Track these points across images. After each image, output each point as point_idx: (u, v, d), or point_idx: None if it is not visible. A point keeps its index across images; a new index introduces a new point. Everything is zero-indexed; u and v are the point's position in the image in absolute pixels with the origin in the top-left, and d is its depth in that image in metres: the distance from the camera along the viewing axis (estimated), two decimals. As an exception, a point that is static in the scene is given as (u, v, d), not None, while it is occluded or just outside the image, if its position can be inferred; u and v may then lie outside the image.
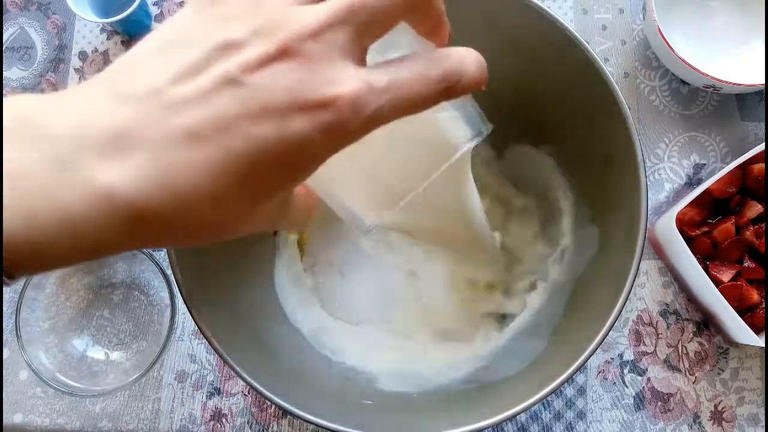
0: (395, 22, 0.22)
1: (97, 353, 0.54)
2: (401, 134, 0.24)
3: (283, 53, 0.19)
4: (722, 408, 0.53)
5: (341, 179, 0.26)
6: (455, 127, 0.25)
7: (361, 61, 0.21)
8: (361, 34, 0.20)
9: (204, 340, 0.54)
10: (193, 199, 0.19)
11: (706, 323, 0.55)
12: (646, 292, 0.55)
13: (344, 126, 0.19)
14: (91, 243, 0.18)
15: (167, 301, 0.52)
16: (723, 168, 0.52)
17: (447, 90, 0.22)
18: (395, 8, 0.21)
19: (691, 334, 0.55)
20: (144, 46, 0.21)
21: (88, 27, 0.62)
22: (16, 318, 0.51)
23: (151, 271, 0.54)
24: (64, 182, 0.18)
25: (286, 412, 0.52)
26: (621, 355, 0.54)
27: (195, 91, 0.19)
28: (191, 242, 0.21)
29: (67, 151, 0.18)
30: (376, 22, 0.21)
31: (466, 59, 0.22)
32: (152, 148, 0.18)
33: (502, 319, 0.52)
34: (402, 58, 0.21)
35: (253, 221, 0.22)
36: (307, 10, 0.20)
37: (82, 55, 0.62)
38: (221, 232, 0.21)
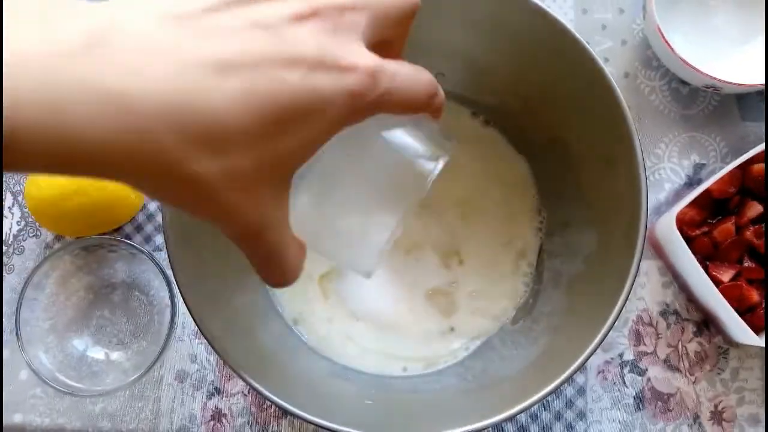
0: (400, 29, 0.24)
1: (97, 353, 0.54)
2: (375, 173, 0.26)
3: (315, 15, 0.20)
4: (722, 408, 0.53)
5: (325, 234, 0.27)
6: (422, 153, 0.27)
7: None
8: (373, 25, 0.22)
9: (204, 340, 0.54)
10: (207, 122, 0.18)
11: (706, 323, 0.55)
12: (646, 292, 0.55)
13: (361, 96, 0.21)
14: (84, 138, 0.17)
15: (167, 300, 0.52)
16: (723, 168, 0.52)
17: (429, 100, 0.23)
18: (403, 16, 0.23)
19: (691, 334, 0.55)
20: None
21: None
22: (16, 318, 0.51)
23: (151, 271, 0.54)
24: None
25: (286, 413, 0.52)
26: (621, 355, 0.54)
27: (229, 25, 0.19)
28: (190, 188, 0.19)
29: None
30: (388, 21, 0.23)
31: (434, 80, 0.24)
32: (180, 70, 0.18)
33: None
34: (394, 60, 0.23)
35: (254, 200, 0.21)
36: None
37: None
38: (222, 183, 0.20)
